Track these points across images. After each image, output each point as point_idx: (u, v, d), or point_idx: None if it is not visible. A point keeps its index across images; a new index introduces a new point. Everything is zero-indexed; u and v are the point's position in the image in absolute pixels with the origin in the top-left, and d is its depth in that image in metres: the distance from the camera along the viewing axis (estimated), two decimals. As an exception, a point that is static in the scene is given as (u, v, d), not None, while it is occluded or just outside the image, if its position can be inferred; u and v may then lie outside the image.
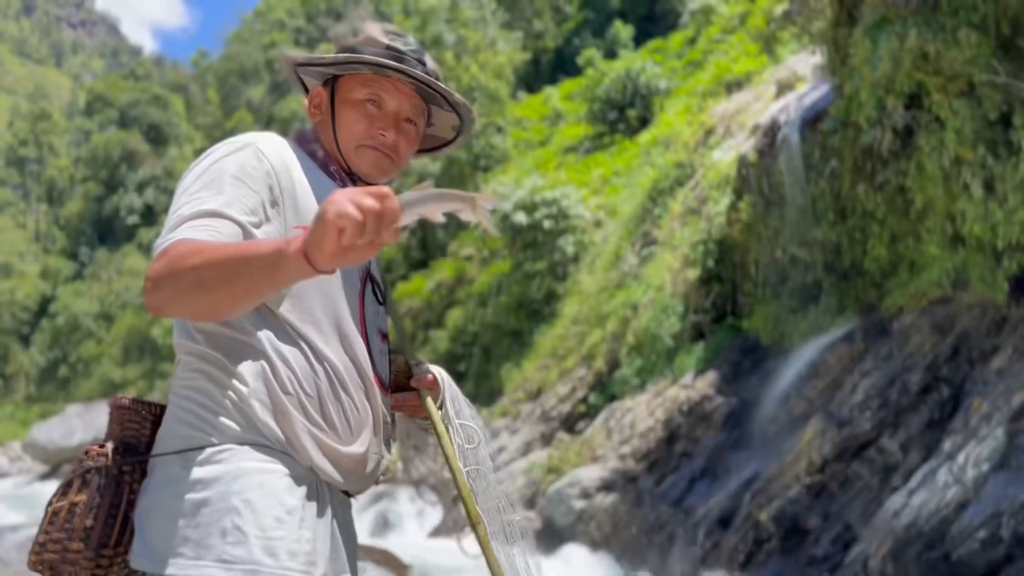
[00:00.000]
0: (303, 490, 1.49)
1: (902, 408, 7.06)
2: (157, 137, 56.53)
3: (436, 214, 1.37)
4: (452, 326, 18.17)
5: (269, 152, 1.56)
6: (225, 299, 1.36)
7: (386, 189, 1.24)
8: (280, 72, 47.12)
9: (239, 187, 1.50)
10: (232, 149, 1.56)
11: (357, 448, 1.57)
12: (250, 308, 1.46)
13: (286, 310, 1.52)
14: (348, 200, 1.20)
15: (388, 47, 1.66)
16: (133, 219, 53.91)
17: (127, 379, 40.83)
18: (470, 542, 1.71)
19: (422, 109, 1.74)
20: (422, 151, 1.86)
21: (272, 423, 1.47)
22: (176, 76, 67.36)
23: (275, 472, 1.46)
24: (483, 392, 15.41)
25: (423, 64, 1.69)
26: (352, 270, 1.64)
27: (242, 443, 1.46)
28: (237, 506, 1.41)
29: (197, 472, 1.44)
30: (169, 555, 1.40)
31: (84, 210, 57.94)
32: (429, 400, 1.73)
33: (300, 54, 1.72)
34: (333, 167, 1.69)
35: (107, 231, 56.60)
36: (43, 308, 53.39)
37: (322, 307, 1.56)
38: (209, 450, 1.45)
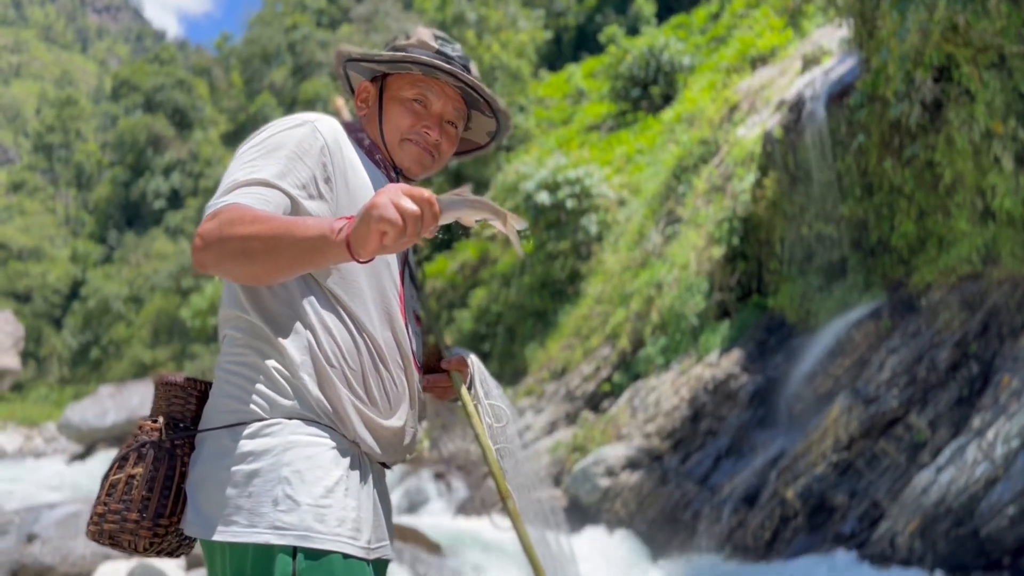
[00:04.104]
0: (347, 461, 1.56)
1: (930, 385, 7.01)
2: (182, 121, 56.93)
3: (470, 219, 1.48)
4: (476, 306, 18.22)
5: (325, 131, 1.64)
6: (267, 269, 1.44)
7: (428, 193, 1.33)
8: (302, 54, 47.20)
9: (294, 161, 1.57)
10: (290, 125, 1.63)
11: (396, 422, 1.65)
12: (288, 279, 1.53)
13: (335, 285, 1.59)
14: (391, 203, 1.30)
15: (438, 51, 1.75)
16: (160, 203, 54.48)
17: (157, 360, 41.44)
18: (500, 518, 1.76)
19: (463, 113, 1.83)
20: (456, 153, 1.95)
21: (320, 395, 1.55)
22: (200, 60, 67.64)
23: (322, 445, 1.53)
24: (507, 372, 15.47)
25: (468, 70, 1.77)
26: (394, 255, 1.71)
27: (291, 417, 1.53)
28: (288, 476, 1.48)
29: (248, 445, 1.51)
30: (223, 523, 1.48)
31: (112, 194, 58.65)
32: (459, 380, 1.79)
33: (355, 49, 1.79)
34: (378, 156, 1.77)
35: (135, 215, 57.28)
36: (74, 291, 54.26)
37: (368, 285, 1.63)
38: (258, 424, 1.53)
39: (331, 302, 1.60)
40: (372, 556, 1.57)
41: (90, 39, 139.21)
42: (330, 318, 1.58)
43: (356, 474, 1.58)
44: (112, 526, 1.54)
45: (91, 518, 1.58)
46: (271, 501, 1.47)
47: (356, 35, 39.21)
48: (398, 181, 1.77)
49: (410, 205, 1.30)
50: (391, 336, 1.66)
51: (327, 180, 1.61)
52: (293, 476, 1.49)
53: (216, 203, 1.50)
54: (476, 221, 1.48)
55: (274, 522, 1.46)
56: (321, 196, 1.59)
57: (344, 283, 1.60)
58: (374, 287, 1.64)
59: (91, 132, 70.42)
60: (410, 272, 1.80)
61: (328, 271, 1.59)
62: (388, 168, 1.77)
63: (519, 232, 1.58)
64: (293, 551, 1.46)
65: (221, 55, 65.45)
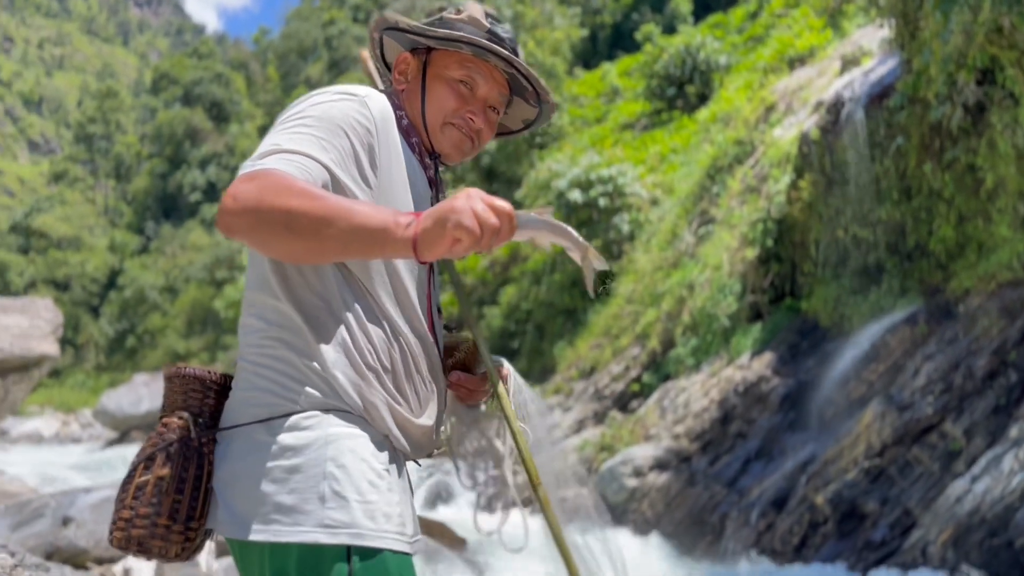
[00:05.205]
0: (385, 455, 1.49)
1: (967, 393, 6.88)
2: (219, 114, 57.68)
3: (545, 241, 1.39)
4: (506, 303, 18.23)
5: (375, 109, 1.53)
6: (311, 249, 1.34)
7: (509, 208, 1.28)
8: (338, 49, 47.52)
9: (338, 136, 1.46)
10: (340, 96, 1.51)
11: (426, 420, 1.58)
12: (330, 262, 1.45)
13: (376, 284, 1.51)
14: (471, 212, 1.25)
15: (489, 31, 1.63)
16: (196, 196, 55.28)
17: (191, 351, 42.08)
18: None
19: (507, 99, 1.71)
20: None
21: (353, 393, 1.47)
22: (238, 54, 68.51)
23: (361, 437, 1.46)
24: (536, 370, 15.46)
25: (516, 53, 1.65)
26: None
27: (327, 410, 1.45)
28: (333, 471, 1.40)
29: (286, 439, 1.42)
30: (263, 522, 1.39)
31: (150, 186, 59.64)
32: (502, 387, 1.70)
33: (403, 19, 1.66)
34: (415, 139, 1.65)
35: (171, 207, 58.17)
36: (111, 281, 55.22)
37: (409, 284, 1.55)
38: (294, 417, 1.44)
39: (366, 296, 1.51)
40: (414, 550, 1.50)
41: (131, 32, 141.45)
42: (367, 317, 1.50)
43: (394, 467, 1.51)
44: (141, 531, 1.43)
45: (115, 523, 1.46)
46: (317, 498, 1.37)
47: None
48: (434, 167, 1.68)
49: (491, 217, 1.25)
50: (421, 332, 1.58)
51: (372, 162, 1.50)
52: (338, 471, 1.40)
53: (254, 165, 1.37)
54: (551, 245, 1.39)
55: (323, 520, 1.37)
56: (364, 179, 1.48)
57: (385, 286, 1.52)
58: (412, 287, 1.55)
59: (131, 124, 71.59)
60: (431, 265, 1.68)
61: (369, 272, 1.50)
62: (423, 154, 1.66)
63: (598, 272, 1.46)
64: (346, 550, 1.37)
65: (259, 49, 66.25)
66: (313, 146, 1.42)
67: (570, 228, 1.39)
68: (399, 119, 1.62)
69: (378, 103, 1.54)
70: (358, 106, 1.50)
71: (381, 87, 1.77)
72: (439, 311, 1.70)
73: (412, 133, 1.65)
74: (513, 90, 1.71)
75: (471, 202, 1.26)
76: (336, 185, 1.43)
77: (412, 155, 1.62)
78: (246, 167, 1.37)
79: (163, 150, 57.66)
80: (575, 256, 1.44)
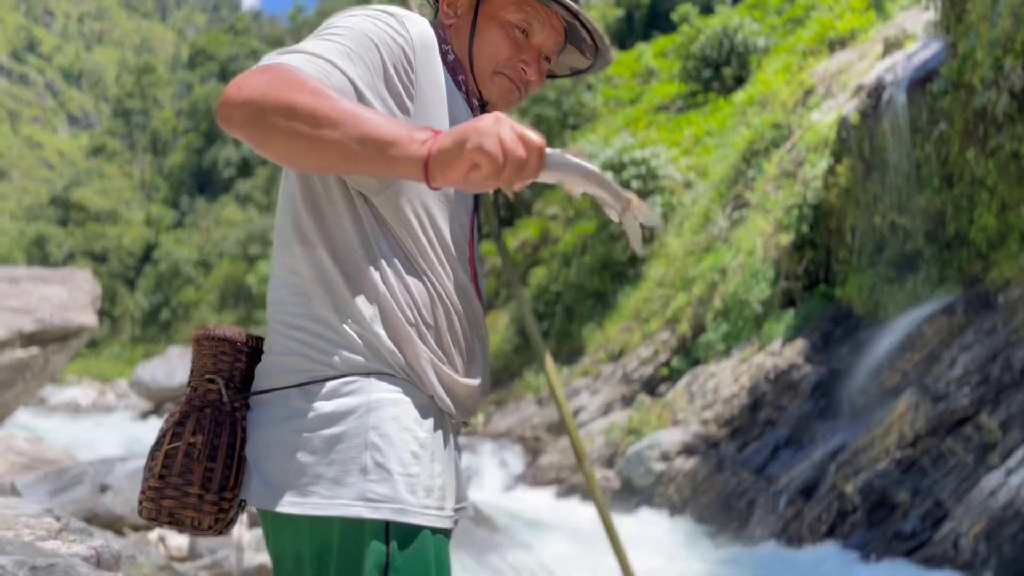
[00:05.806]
0: (430, 422, 1.39)
1: (1004, 385, 6.77)
2: (254, 91, 58.12)
3: (576, 188, 1.23)
4: (535, 285, 18.22)
5: (414, 31, 1.40)
6: (310, 153, 1.21)
7: (541, 142, 1.15)
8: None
9: (369, 49, 1.33)
10: (376, 13, 1.38)
11: (471, 379, 1.47)
12: (327, 173, 1.33)
13: (415, 229, 1.39)
14: (496, 137, 1.11)
15: None
16: (230, 171, 55.86)
17: (223, 324, 42.71)
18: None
19: (561, 47, 1.57)
20: None
21: (395, 350, 1.36)
22: (273, 31, 68.83)
23: (404, 403, 1.35)
24: (565, 352, 15.46)
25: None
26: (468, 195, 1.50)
27: (368, 373, 1.35)
28: (376, 441, 1.30)
29: (326, 406, 1.32)
30: (300, 494, 1.30)
31: (185, 161, 60.36)
32: (549, 363, 1.68)
33: None
34: (461, 77, 1.51)
35: (206, 182, 58.82)
36: (147, 254, 56.12)
37: (450, 234, 1.43)
38: (334, 382, 1.34)
39: (403, 244, 1.39)
40: (454, 521, 1.42)
41: (169, 8, 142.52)
42: (406, 271, 1.38)
43: (439, 434, 1.40)
44: (171, 502, 1.35)
45: (144, 493, 1.37)
46: (359, 469, 1.29)
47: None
48: (481, 112, 1.53)
49: (518, 147, 1.12)
50: (464, 284, 1.46)
51: (406, 87, 1.36)
52: (381, 440, 1.31)
53: (269, 60, 1.26)
54: (582, 193, 1.23)
55: (364, 493, 1.28)
56: (398, 102, 1.35)
57: (425, 237, 1.40)
58: (454, 237, 1.43)
59: (167, 99, 72.37)
60: (475, 211, 1.54)
61: (398, 207, 1.38)
62: (470, 95, 1.51)
63: (643, 226, 1.30)
64: (385, 526, 1.29)
65: (294, 26, 66.42)
66: (339, 55, 1.29)
67: (606, 176, 1.24)
68: (444, 53, 1.48)
69: (418, 26, 1.41)
70: (396, 24, 1.38)
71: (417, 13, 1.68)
72: (480, 260, 1.58)
73: (459, 70, 1.51)
74: (569, 38, 1.56)
75: (499, 126, 1.12)
76: (360, 96, 1.30)
77: (458, 93, 1.48)
78: (262, 61, 1.27)
79: (199, 125, 58.27)
80: (612, 212, 1.28)
